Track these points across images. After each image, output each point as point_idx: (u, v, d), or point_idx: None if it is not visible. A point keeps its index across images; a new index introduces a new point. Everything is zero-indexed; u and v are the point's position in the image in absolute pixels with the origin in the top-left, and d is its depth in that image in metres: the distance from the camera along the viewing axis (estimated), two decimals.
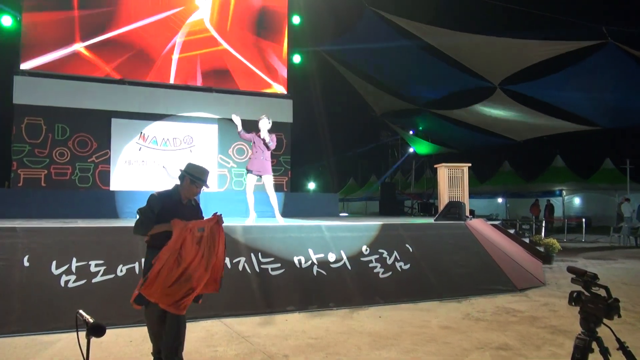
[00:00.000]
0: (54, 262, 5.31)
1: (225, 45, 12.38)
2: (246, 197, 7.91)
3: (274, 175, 12.58)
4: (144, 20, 11.61)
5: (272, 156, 12.55)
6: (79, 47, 10.95)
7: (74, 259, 5.39)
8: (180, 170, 3.88)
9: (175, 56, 11.80)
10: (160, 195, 3.79)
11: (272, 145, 7.82)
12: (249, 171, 7.84)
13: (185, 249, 3.53)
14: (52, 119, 10.61)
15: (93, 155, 10.88)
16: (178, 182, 3.87)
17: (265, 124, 7.88)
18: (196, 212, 3.91)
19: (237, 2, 12.62)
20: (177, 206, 3.79)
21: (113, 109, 11.09)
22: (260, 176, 7.87)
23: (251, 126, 11.72)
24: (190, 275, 3.51)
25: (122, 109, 11.16)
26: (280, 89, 12.86)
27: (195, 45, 12.08)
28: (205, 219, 3.76)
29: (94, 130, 10.92)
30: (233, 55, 12.45)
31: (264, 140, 7.77)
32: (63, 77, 10.85)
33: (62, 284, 5.21)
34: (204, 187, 3.88)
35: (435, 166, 10.86)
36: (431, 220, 9.25)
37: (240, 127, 7.87)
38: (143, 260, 5.38)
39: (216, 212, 3.73)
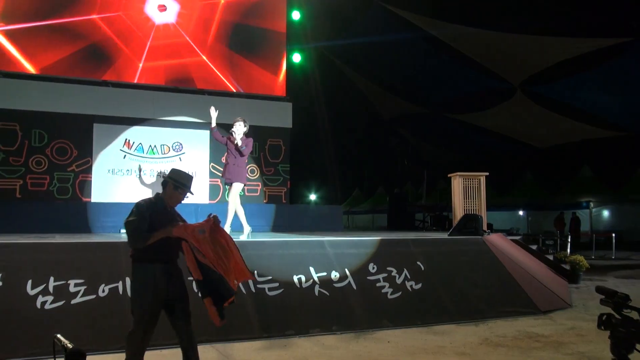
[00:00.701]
0: (30, 282, 5.31)
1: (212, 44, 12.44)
2: (234, 210, 7.85)
3: (272, 186, 12.77)
4: (125, 15, 11.70)
5: (269, 164, 12.72)
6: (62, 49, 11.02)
7: (52, 278, 5.39)
8: (163, 176, 4.13)
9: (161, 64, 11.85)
10: (147, 202, 3.95)
11: (246, 150, 7.81)
12: (222, 180, 7.93)
13: (201, 247, 3.82)
14: (28, 124, 10.66)
15: (73, 164, 10.91)
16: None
17: (240, 129, 7.89)
18: (180, 219, 4.09)
19: None
20: (163, 214, 3.95)
21: (95, 113, 11.14)
22: (231, 184, 7.85)
23: (253, 132, 11.77)
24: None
25: (105, 113, 11.20)
26: (278, 91, 12.90)
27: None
28: (201, 221, 3.93)
29: (74, 137, 10.96)
30: (225, 51, 12.49)
31: (236, 145, 7.76)
32: (40, 78, 10.92)
33: (39, 305, 5.20)
34: (188, 194, 4.08)
35: (449, 175, 10.86)
36: (445, 235, 9.24)
37: (214, 123, 7.95)
38: (128, 279, 5.39)
39: (211, 214, 3.92)
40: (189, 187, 4.07)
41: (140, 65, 11.75)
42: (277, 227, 11.41)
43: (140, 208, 3.87)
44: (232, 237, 4.02)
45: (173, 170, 4.12)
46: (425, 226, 18.12)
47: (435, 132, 20.84)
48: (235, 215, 7.88)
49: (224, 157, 8.15)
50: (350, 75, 18.09)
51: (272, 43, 12.99)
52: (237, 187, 7.87)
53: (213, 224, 3.86)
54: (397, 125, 20.82)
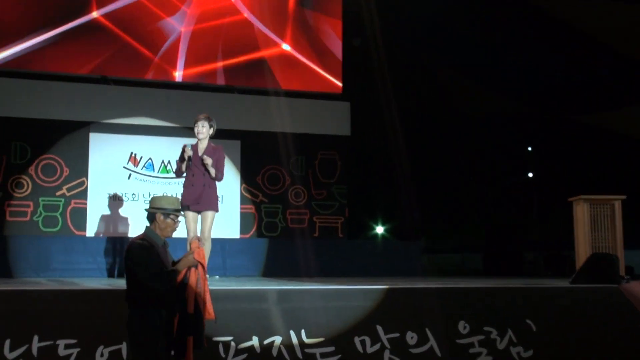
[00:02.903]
0: (8, 342, 5.44)
1: (249, 16, 12.43)
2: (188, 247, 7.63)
3: (324, 214, 12.77)
4: None
5: (320, 185, 12.74)
6: (46, 35, 11.33)
7: (36, 338, 5.51)
8: (146, 210, 4.80)
9: (183, 45, 12.03)
10: (141, 241, 4.59)
11: (220, 175, 7.58)
12: (184, 207, 7.34)
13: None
14: (6, 134, 11.03)
15: (63, 187, 11.21)
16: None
17: (203, 130, 7.61)
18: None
19: None
20: (162, 251, 4.68)
21: (92, 119, 11.46)
22: (200, 212, 7.60)
23: (298, 143, 11.67)
24: None
25: (104, 119, 11.52)
26: (331, 86, 12.95)
27: (208, 17, 12.18)
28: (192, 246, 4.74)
29: (65, 151, 11.28)
30: (259, 32, 12.51)
31: (202, 160, 7.46)
32: (19, 75, 11.29)
33: None
34: (180, 216, 4.82)
35: (569, 200, 10.61)
36: (565, 282, 9.00)
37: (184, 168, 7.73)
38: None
39: (196, 236, 4.93)
40: (179, 209, 4.83)
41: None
42: (331, 270, 11.38)
43: (144, 247, 4.50)
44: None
45: (154, 199, 4.83)
46: (538, 270, 17.69)
47: (547, 138, 20.41)
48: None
49: (176, 173, 7.87)
50: (431, 65, 18.01)
51: (323, 25, 13.01)
52: (212, 217, 7.63)
53: (198, 249, 4.67)
54: (494, 130, 20.49)
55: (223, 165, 7.74)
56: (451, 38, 16.89)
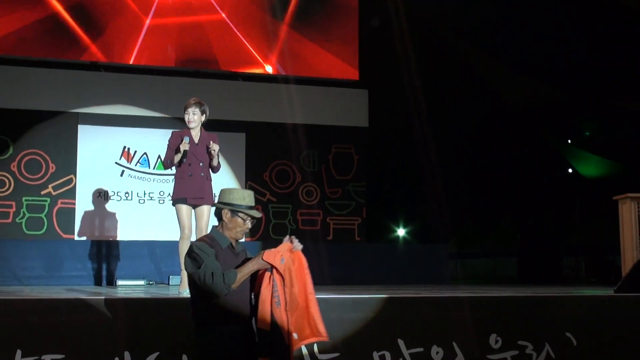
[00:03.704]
0: None
1: None
2: (180, 248, 7.54)
3: (339, 215, 12.76)
4: None
5: (335, 183, 12.76)
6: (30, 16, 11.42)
7: (19, 353, 5.55)
8: (215, 205, 4.53)
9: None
10: (202, 242, 4.35)
11: (217, 166, 7.60)
12: (178, 200, 7.40)
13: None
14: None
15: (49, 185, 11.30)
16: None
17: (195, 118, 7.57)
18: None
19: None
20: (230, 254, 4.39)
21: (80, 109, 11.56)
22: (195, 207, 7.54)
23: (310, 135, 11.70)
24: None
25: (94, 110, 11.61)
26: (347, 72, 12.95)
27: None
28: (280, 246, 4.36)
29: (50, 145, 11.38)
30: (262, 15, 12.50)
31: (208, 147, 7.49)
32: (1, 61, 11.36)
33: None
34: (254, 216, 4.46)
35: (615, 198, 10.57)
36: (610, 291, 8.97)
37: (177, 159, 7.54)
38: (128, 354, 5.50)
39: (290, 235, 4.36)
40: (253, 207, 4.47)
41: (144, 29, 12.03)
42: (347, 277, 11.34)
43: (201, 248, 4.25)
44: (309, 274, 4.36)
45: (223, 192, 4.47)
46: (579, 277, 17.65)
47: (591, 129, 20.33)
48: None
49: (166, 164, 7.73)
50: (460, 49, 17.95)
51: (337, 4, 13.05)
52: (209, 211, 7.56)
53: (293, 250, 4.30)
54: (531, 121, 20.42)
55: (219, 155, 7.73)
56: (483, 17, 16.82)
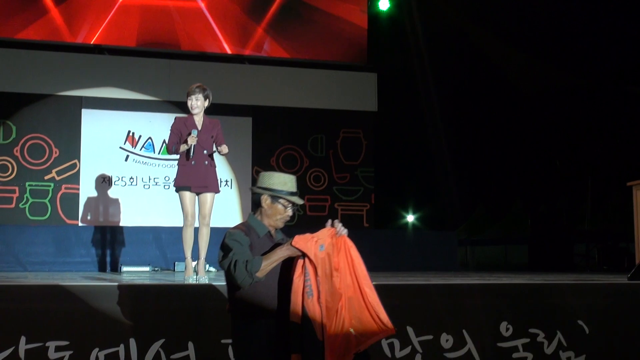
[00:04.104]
0: None
1: None
2: (183, 235, 7.48)
3: (347, 201, 12.75)
4: None
5: (342, 168, 12.73)
6: None
7: (23, 339, 5.56)
8: (251, 188, 4.21)
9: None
10: (238, 229, 4.08)
11: (225, 147, 7.58)
12: (182, 187, 7.43)
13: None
14: None
15: (52, 170, 11.30)
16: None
17: (198, 104, 7.57)
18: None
19: None
20: (267, 244, 4.10)
21: (84, 93, 11.54)
22: (199, 194, 7.52)
23: (318, 120, 11.73)
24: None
25: (98, 94, 11.59)
26: (354, 54, 12.90)
27: None
28: (318, 232, 4.04)
29: (54, 129, 11.37)
30: None
31: (219, 151, 7.49)
32: (3, 44, 11.35)
33: None
34: (295, 203, 4.17)
35: (628, 184, 10.53)
36: (623, 278, 8.94)
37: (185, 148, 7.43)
38: (133, 341, 5.50)
39: (332, 220, 4.03)
40: (295, 193, 4.19)
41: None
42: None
43: (234, 236, 4.00)
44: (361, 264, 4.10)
45: (262, 177, 4.22)
46: (591, 264, 17.59)
47: (603, 113, 20.25)
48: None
49: (170, 149, 7.70)
50: (471, 32, 17.88)
51: None
52: (213, 199, 7.61)
53: (337, 235, 4.01)
54: (542, 105, 20.36)
55: (224, 140, 7.68)
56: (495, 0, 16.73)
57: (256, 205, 4.18)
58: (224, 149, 7.43)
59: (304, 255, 3.93)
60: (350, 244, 4.09)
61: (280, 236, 4.25)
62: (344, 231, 4.05)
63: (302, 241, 3.91)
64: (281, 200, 4.09)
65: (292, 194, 4.13)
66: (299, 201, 4.19)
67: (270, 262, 3.91)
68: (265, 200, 4.10)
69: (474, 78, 17.83)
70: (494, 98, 18.84)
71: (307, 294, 3.89)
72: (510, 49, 18.17)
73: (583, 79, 18.69)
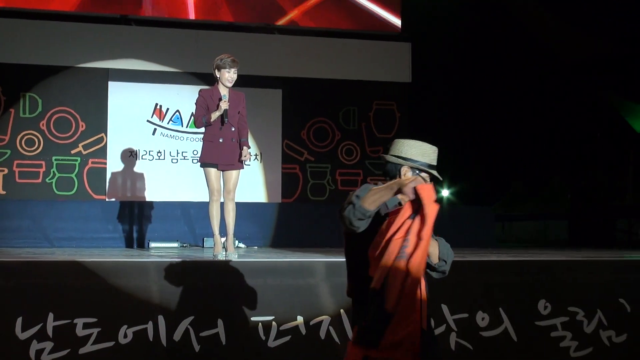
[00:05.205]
0: (19, 321, 5.54)
1: None
2: (210, 212, 7.49)
3: (379, 175, 12.62)
4: None
5: (375, 141, 12.66)
6: None
7: (51, 316, 5.62)
8: (383, 156, 3.92)
9: None
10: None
11: (245, 128, 7.56)
12: (208, 164, 7.46)
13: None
14: (13, 84, 11.19)
15: (79, 144, 11.37)
16: None
17: (235, 77, 7.58)
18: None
19: None
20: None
21: (111, 65, 11.57)
22: (223, 172, 7.52)
23: (350, 91, 11.66)
24: None
25: (125, 66, 11.63)
26: (387, 24, 12.79)
27: None
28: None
29: (81, 102, 11.42)
30: None
31: (240, 110, 7.52)
32: (30, 16, 11.40)
33: (33, 355, 5.44)
34: (437, 176, 3.85)
35: None
36: None
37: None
38: (162, 318, 5.56)
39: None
40: (434, 166, 3.84)
41: None
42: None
43: (366, 186, 3.66)
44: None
45: (399, 145, 3.92)
46: (633, 240, 17.47)
47: None
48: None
49: (199, 121, 7.59)
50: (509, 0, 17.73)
51: None
52: (237, 174, 7.61)
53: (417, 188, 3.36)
54: (584, 76, 20.11)
55: (246, 115, 7.71)
56: None
57: (391, 176, 3.84)
58: (247, 156, 7.51)
59: (417, 208, 3.42)
60: (429, 202, 3.42)
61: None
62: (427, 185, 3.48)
63: (427, 189, 3.36)
64: (423, 175, 3.77)
65: (432, 167, 3.81)
66: (438, 176, 3.86)
67: (379, 191, 3.49)
68: (406, 172, 3.75)
69: (512, 48, 17.66)
70: (532, 69, 18.68)
71: (400, 254, 3.43)
72: (550, 17, 17.96)
73: (625, 49, 18.46)
